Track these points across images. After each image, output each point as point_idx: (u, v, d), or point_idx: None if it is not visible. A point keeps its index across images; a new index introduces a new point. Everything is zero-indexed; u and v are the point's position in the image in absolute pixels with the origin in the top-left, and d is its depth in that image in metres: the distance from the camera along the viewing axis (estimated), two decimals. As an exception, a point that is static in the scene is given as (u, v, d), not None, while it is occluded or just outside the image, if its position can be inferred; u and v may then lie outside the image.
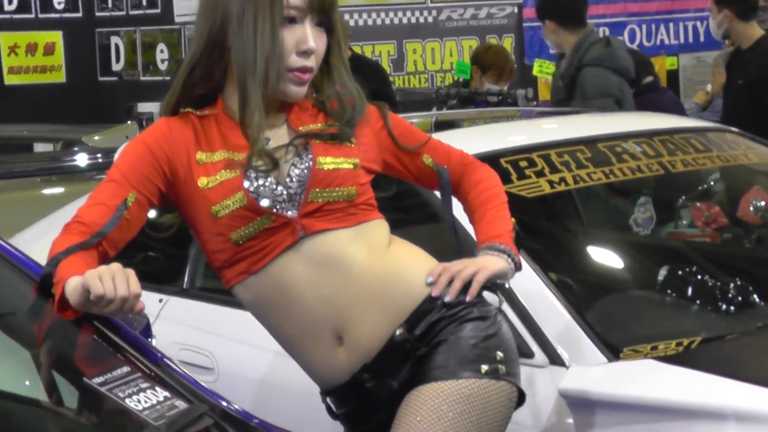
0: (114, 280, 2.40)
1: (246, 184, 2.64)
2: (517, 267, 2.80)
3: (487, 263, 2.75)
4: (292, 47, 2.66)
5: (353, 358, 2.72)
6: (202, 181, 2.66)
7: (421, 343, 2.69)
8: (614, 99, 6.15)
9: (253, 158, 2.64)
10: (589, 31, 6.36)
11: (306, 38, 2.65)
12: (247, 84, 2.64)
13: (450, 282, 2.70)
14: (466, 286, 2.70)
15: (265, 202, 2.64)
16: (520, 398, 2.74)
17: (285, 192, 2.66)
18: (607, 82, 6.18)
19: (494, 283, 2.76)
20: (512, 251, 2.78)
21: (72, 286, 2.45)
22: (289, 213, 2.66)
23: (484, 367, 2.66)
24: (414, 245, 2.81)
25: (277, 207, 2.66)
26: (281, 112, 2.73)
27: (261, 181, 2.65)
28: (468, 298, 2.69)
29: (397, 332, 2.70)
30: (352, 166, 2.69)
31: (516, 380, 2.71)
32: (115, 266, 2.44)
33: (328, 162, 2.67)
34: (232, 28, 2.66)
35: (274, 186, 2.65)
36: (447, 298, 2.69)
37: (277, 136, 2.70)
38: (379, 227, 2.75)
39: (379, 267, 2.71)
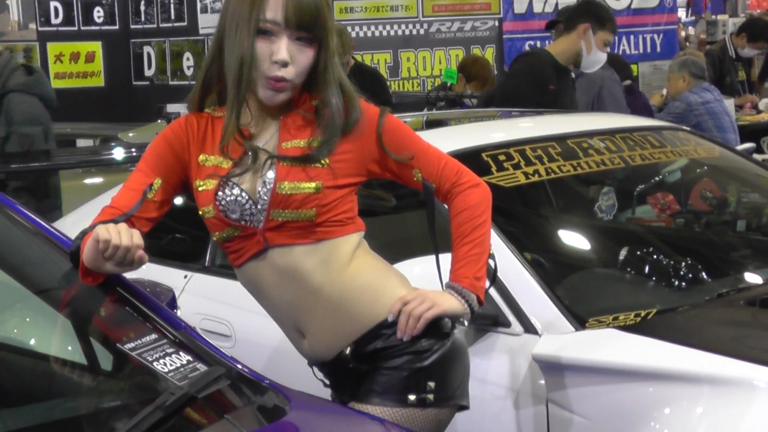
0: (120, 233, 2.40)
1: (219, 196, 2.59)
2: (473, 312, 2.66)
3: (443, 301, 2.62)
4: (266, 56, 2.54)
5: (314, 356, 2.71)
6: (197, 184, 2.63)
7: (364, 364, 2.64)
8: (43, 128, 5.39)
9: (233, 168, 2.57)
10: (7, 58, 5.54)
11: (278, 50, 2.53)
12: (228, 85, 2.58)
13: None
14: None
15: (233, 215, 2.60)
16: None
17: (253, 207, 2.59)
18: (36, 110, 5.43)
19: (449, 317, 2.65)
20: (471, 295, 2.64)
21: (87, 245, 2.45)
22: (256, 225, 2.60)
23: (411, 397, 2.60)
24: (378, 262, 2.69)
25: (246, 219, 2.60)
26: (275, 121, 2.62)
27: (234, 196, 2.58)
28: (415, 332, 2.59)
29: (345, 351, 2.65)
30: (313, 190, 2.55)
31: (450, 402, 2.64)
32: (122, 225, 2.45)
33: (287, 187, 2.55)
34: (226, 35, 2.59)
35: (244, 201, 2.58)
36: (404, 338, 2.60)
37: (266, 148, 2.60)
38: (341, 245, 2.61)
39: (333, 288, 2.61)
